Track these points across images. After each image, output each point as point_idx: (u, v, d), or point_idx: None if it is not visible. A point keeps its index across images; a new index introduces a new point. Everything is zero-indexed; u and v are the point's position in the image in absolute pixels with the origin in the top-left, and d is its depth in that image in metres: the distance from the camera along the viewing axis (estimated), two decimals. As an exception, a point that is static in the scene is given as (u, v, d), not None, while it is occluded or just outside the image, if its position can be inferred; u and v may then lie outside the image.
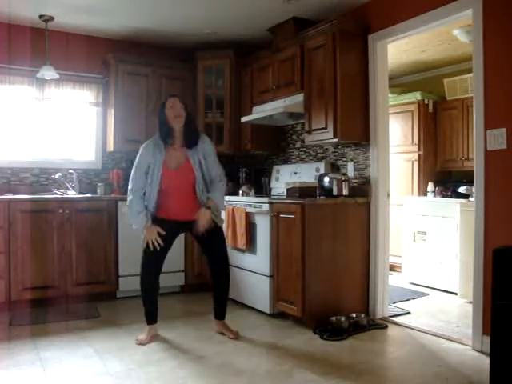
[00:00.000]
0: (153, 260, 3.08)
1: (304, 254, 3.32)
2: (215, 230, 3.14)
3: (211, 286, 3.29)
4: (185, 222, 3.06)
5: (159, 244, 3.00)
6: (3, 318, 3.52)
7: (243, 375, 2.57)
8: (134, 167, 3.07)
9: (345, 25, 3.55)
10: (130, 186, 3.04)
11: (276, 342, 3.12)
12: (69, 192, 4.33)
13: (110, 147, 4.52)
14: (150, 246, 2.99)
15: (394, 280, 4.87)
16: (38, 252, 3.77)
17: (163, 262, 3.14)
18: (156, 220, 3.04)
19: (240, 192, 4.37)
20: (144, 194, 3.03)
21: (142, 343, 3.02)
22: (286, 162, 4.67)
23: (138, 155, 3.08)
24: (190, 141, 3.06)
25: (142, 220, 2.99)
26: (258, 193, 4.57)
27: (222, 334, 3.22)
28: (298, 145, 4.51)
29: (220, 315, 3.26)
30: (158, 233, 2.99)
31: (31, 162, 4.37)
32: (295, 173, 4.33)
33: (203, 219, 3.01)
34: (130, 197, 3.02)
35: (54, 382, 2.45)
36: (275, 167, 4.67)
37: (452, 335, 3.21)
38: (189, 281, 4.42)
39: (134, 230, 4.02)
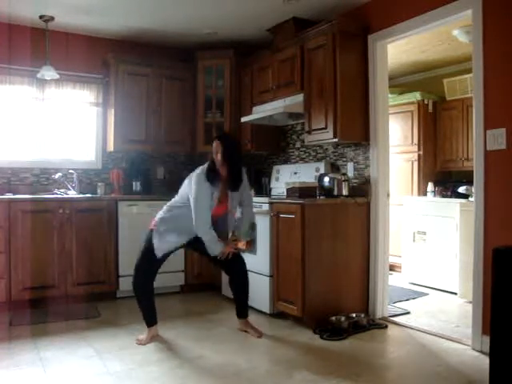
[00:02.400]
0: (152, 267, 3.09)
1: (304, 254, 3.33)
2: None
3: (231, 288, 3.33)
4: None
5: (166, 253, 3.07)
6: (3, 318, 3.52)
7: (243, 375, 2.57)
8: (196, 200, 2.94)
9: (345, 25, 3.55)
10: (202, 223, 2.95)
11: (276, 341, 3.12)
12: (69, 192, 4.33)
13: (110, 147, 4.52)
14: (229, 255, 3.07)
15: (394, 280, 4.87)
16: (38, 252, 3.78)
17: (159, 267, 3.15)
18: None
19: (240, 192, 4.37)
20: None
21: (141, 343, 3.03)
22: (286, 161, 4.67)
23: (198, 188, 2.95)
24: (233, 186, 3.09)
25: (221, 245, 3.05)
26: (258, 193, 4.57)
27: (246, 331, 3.25)
28: (298, 145, 4.52)
29: (244, 314, 3.30)
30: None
31: (31, 162, 4.37)
32: (295, 173, 4.33)
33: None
34: (210, 235, 2.98)
35: (55, 382, 2.46)
36: (275, 167, 4.67)
37: (452, 335, 3.21)
38: (189, 281, 4.42)
39: (134, 230, 4.05)
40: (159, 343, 3.06)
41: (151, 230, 3.08)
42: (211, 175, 3.00)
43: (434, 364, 2.72)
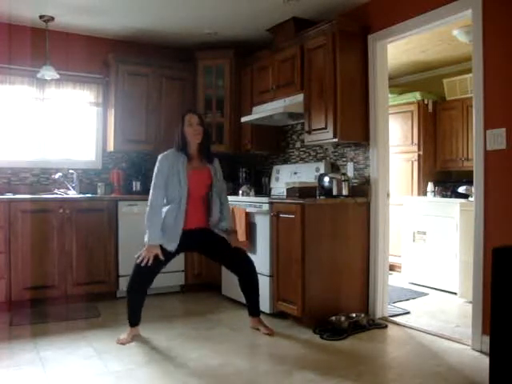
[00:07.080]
0: (148, 272, 3.04)
1: (304, 253, 3.33)
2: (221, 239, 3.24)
3: (241, 289, 3.31)
4: (192, 230, 3.11)
5: (155, 261, 3.00)
6: (3, 318, 3.52)
7: (243, 375, 2.57)
8: (153, 178, 3.10)
9: (345, 25, 3.55)
10: (150, 198, 3.05)
11: (276, 341, 3.12)
12: (69, 192, 4.33)
13: (111, 147, 4.53)
14: (144, 262, 2.96)
15: (394, 280, 4.87)
16: (38, 252, 3.78)
17: (158, 273, 3.13)
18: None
19: (240, 192, 4.38)
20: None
21: (123, 343, 2.99)
22: (286, 162, 4.67)
23: (157, 166, 3.11)
24: (208, 157, 3.23)
25: (160, 238, 3.00)
26: (258, 193, 4.57)
27: (257, 329, 3.28)
28: (298, 145, 4.52)
29: (255, 312, 3.32)
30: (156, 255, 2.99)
31: (31, 161, 4.37)
32: (295, 173, 4.33)
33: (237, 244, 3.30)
34: (150, 210, 3.02)
35: (54, 382, 2.46)
36: (275, 167, 4.68)
37: (452, 335, 3.21)
38: (189, 281, 4.42)
39: (134, 230, 4.04)
40: (159, 343, 3.06)
41: None
42: (181, 145, 3.14)
43: (434, 364, 2.72)
